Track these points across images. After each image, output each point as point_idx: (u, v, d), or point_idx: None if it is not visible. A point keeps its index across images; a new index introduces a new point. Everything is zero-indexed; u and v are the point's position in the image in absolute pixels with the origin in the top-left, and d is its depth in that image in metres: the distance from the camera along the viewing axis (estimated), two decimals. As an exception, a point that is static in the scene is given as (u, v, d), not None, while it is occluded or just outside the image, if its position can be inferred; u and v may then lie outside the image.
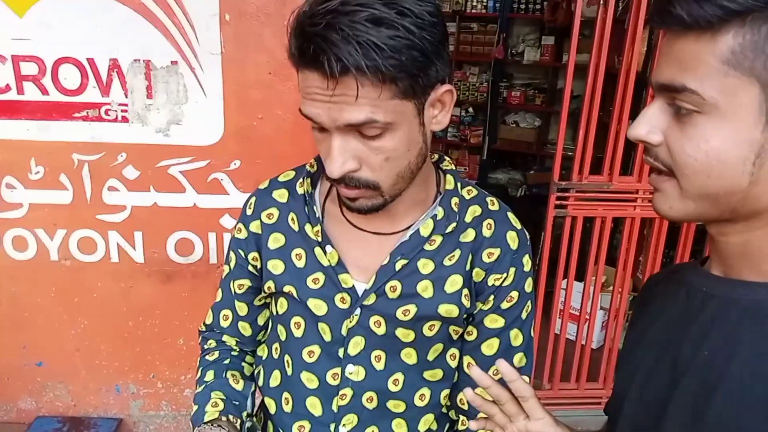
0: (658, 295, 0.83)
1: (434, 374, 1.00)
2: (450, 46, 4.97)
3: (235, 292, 1.06)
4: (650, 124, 0.65)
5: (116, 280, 2.09)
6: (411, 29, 0.73)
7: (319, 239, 0.94)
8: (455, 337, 0.99)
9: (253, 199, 1.03)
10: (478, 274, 0.95)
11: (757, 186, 0.62)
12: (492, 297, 0.96)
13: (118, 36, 1.86)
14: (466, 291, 0.95)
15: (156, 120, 1.94)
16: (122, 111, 1.93)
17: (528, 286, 0.98)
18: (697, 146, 0.62)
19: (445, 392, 1.02)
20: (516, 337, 0.99)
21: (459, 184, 0.98)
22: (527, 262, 0.98)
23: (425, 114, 0.82)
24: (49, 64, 1.87)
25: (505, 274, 0.95)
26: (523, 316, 0.99)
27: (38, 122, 1.92)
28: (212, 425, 0.92)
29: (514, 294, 0.96)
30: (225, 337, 1.10)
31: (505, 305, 0.97)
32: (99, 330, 2.15)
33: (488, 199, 0.99)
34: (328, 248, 0.94)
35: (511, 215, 0.99)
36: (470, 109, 5.71)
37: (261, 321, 1.09)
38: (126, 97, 1.92)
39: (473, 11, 5.47)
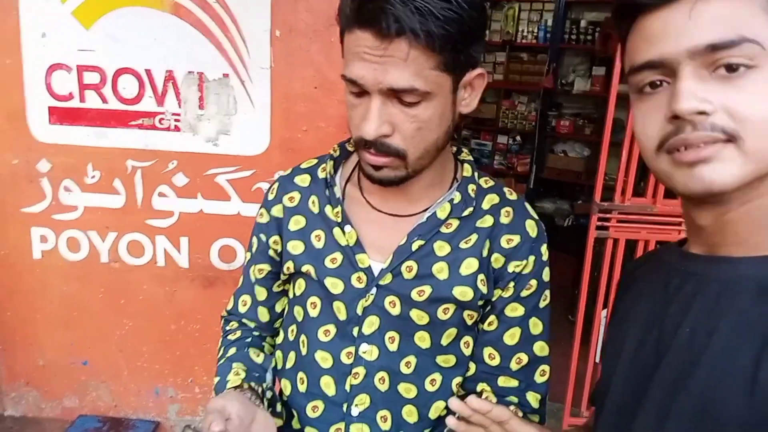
0: (638, 279, 0.83)
1: (447, 360, 1.00)
2: (499, 75, 4.98)
3: (255, 277, 1.09)
4: (696, 96, 0.62)
5: (161, 284, 2.16)
6: (462, 5, 0.79)
7: (339, 220, 0.97)
8: (470, 322, 0.99)
9: (275, 185, 1.06)
10: (497, 260, 0.96)
11: None
12: (512, 284, 0.96)
13: (174, 49, 1.96)
14: (482, 276, 0.95)
15: (206, 130, 2.02)
16: (175, 120, 2.02)
17: (545, 275, 0.99)
18: (758, 101, 0.60)
19: (458, 380, 1.02)
20: (535, 326, 1.00)
21: (476, 174, 1.01)
22: (545, 252, 0.99)
23: (458, 93, 0.87)
24: (110, 74, 1.98)
25: (525, 261, 0.96)
26: (541, 305, 1.00)
27: (97, 129, 2.02)
28: (236, 389, 0.94)
29: (533, 282, 0.97)
30: (245, 320, 1.12)
31: (525, 293, 0.97)
32: (142, 332, 2.22)
33: (505, 189, 1.01)
34: (347, 228, 0.97)
35: (527, 205, 1.01)
36: (518, 138, 5.70)
37: (279, 308, 1.11)
38: (179, 107, 2.01)
39: (523, 41, 5.50)
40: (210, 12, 1.93)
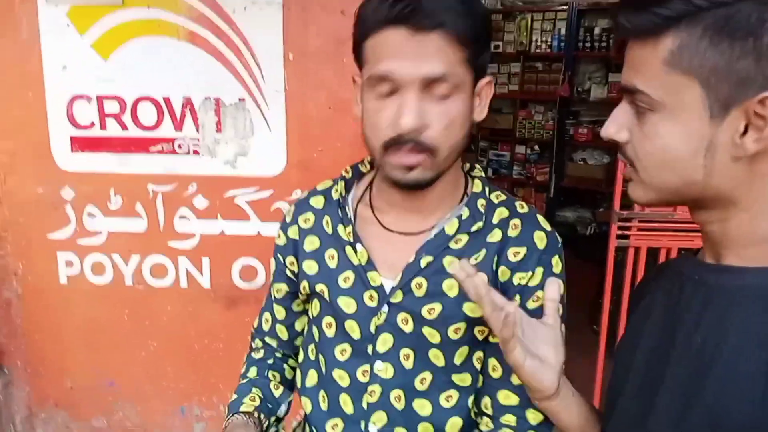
0: (654, 288, 0.84)
1: (462, 379, 1.01)
2: (514, 86, 5.00)
3: (274, 296, 1.14)
4: (617, 124, 0.70)
5: (184, 305, 2.20)
6: (482, 7, 0.89)
7: (351, 239, 1.00)
8: (480, 337, 1.00)
9: (292, 208, 1.11)
10: (503, 273, 0.97)
11: (713, 178, 0.66)
12: (517, 296, 0.96)
13: (191, 76, 2.01)
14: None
15: (224, 153, 2.07)
16: (194, 145, 2.06)
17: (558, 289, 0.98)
18: (652, 143, 0.67)
19: (473, 397, 1.03)
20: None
21: (487, 189, 1.02)
22: (557, 264, 0.98)
23: (474, 98, 0.93)
24: (130, 102, 2.04)
25: (530, 273, 0.96)
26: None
27: (118, 155, 2.08)
28: (244, 416, 0.98)
29: (540, 294, 0.94)
30: (267, 339, 1.17)
31: (531, 305, 0.96)
32: (167, 352, 2.26)
33: (517, 203, 1.02)
34: (359, 247, 0.99)
35: (540, 217, 1.01)
36: (536, 147, 5.69)
37: (298, 326, 1.15)
38: (197, 131, 2.05)
39: (537, 51, 5.51)
40: (224, 39, 1.97)
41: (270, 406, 1.06)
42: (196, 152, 2.07)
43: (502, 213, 1.00)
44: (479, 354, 1.02)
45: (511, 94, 5.64)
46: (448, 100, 0.87)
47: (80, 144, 2.07)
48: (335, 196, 1.05)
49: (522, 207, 1.02)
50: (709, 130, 0.64)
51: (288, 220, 1.11)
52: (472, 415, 1.04)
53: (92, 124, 2.05)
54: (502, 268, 0.97)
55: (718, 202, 0.68)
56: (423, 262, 0.96)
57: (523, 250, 0.97)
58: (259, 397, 1.05)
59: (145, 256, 2.16)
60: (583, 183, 5.48)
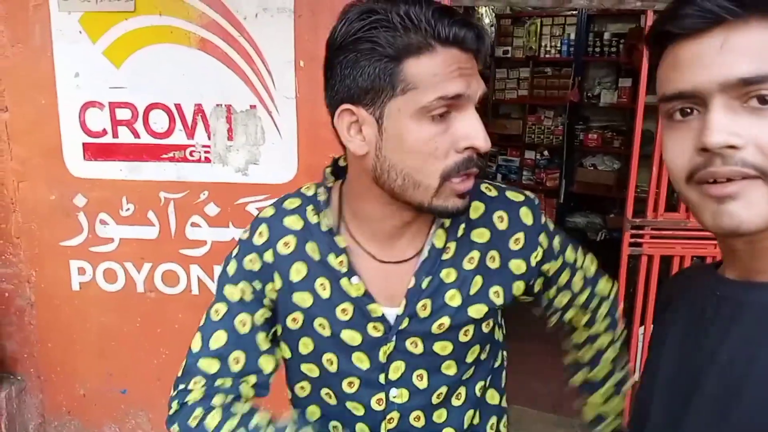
0: (675, 299, 0.82)
1: (469, 372, 1.00)
2: (523, 91, 4.98)
3: (253, 325, 0.95)
4: (726, 130, 0.61)
5: (195, 312, 2.16)
6: None
7: (344, 270, 0.92)
8: (486, 330, 0.99)
9: (263, 227, 0.96)
10: (518, 267, 0.97)
11: None
12: (547, 268, 1.02)
13: (202, 83, 2.02)
14: (496, 288, 0.95)
15: (236, 160, 2.07)
16: (205, 152, 2.07)
17: (557, 240, 1.03)
18: None
19: (480, 385, 1.02)
20: (588, 269, 1.08)
21: None
22: (545, 219, 1.01)
23: None
24: (141, 109, 2.05)
25: (538, 249, 0.99)
26: (575, 258, 1.06)
27: (130, 163, 2.08)
28: None
29: (557, 251, 1.02)
30: (219, 381, 0.95)
31: (555, 265, 1.03)
32: (179, 360, 2.23)
33: (483, 188, 0.99)
34: (354, 279, 0.92)
35: (509, 193, 1.00)
36: (546, 153, 5.67)
37: (265, 365, 0.98)
38: (209, 139, 2.06)
39: (547, 56, 5.49)
40: (236, 46, 1.98)
41: None
42: (207, 160, 2.07)
43: (478, 208, 0.96)
44: (486, 346, 1.02)
45: (521, 99, 5.62)
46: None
47: (92, 151, 2.08)
48: (314, 220, 0.94)
49: (490, 190, 0.99)
50: None
51: (260, 242, 0.95)
52: (486, 400, 1.06)
53: (104, 131, 2.06)
54: (515, 263, 0.97)
55: None
56: (424, 284, 0.93)
57: (521, 236, 0.97)
58: None
59: (157, 263, 2.16)
60: (592, 189, 5.44)
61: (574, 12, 5.27)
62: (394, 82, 0.80)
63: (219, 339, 0.95)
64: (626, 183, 2.27)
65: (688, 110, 0.65)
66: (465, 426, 1.01)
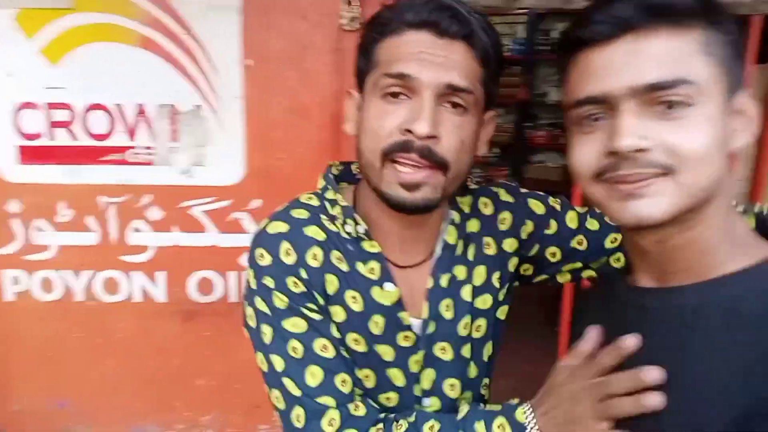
0: (591, 309, 0.84)
1: (482, 372, 1.02)
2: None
3: (332, 353, 0.87)
4: (636, 134, 0.64)
5: (139, 320, 2.11)
6: (501, 45, 0.87)
7: (376, 277, 0.89)
8: (493, 322, 1.01)
9: (286, 245, 0.88)
10: (511, 245, 1.00)
11: (725, 172, 0.66)
12: (557, 251, 1.03)
13: (145, 83, 1.93)
14: (497, 273, 0.97)
15: (180, 162, 1.99)
16: (148, 154, 1.99)
17: (542, 206, 1.04)
18: (695, 137, 0.62)
19: (485, 382, 1.03)
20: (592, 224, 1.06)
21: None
22: (527, 194, 1.04)
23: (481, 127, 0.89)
24: (80, 110, 1.95)
25: (526, 221, 1.00)
26: (578, 222, 1.06)
27: (68, 167, 1.98)
28: None
29: (552, 221, 1.04)
30: (361, 401, 0.90)
31: (554, 229, 1.04)
32: (121, 371, 2.17)
33: (472, 186, 1.01)
34: (388, 286, 0.89)
35: (491, 185, 1.03)
36: (496, 150, 5.74)
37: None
38: (151, 140, 1.97)
39: (497, 54, 5.54)
40: (180, 44, 1.90)
41: None
42: (150, 162, 1.99)
43: (466, 202, 0.99)
44: (494, 344, 1.03)
45: (471, 98, 5.69)
46: (462, 116, 0.83)
47: (28, 154, 1.97)
48: (333, 228, 0.90)
49: (475, 185, 1.03)
50: (724, 120, 0.64)
51: (290, 261, 0.87)
52: (483, 393, 1.05)
53: (40, 133, 1.95)
54: (508, 242, 0.98)
55: (707, 203, 0.67)
56: (443, 282, 0.92)
57: (507, 216, 0.99)
58: None
59: (97, 271, 2.06)
60: (541, 185, 5.51)
61: (523, 11, 5.33)
62: (369, 61, 0.86)
63: (313, 376, 0.86)
64: (573, 179, 2.31)
65: (598, 115, 0.67)
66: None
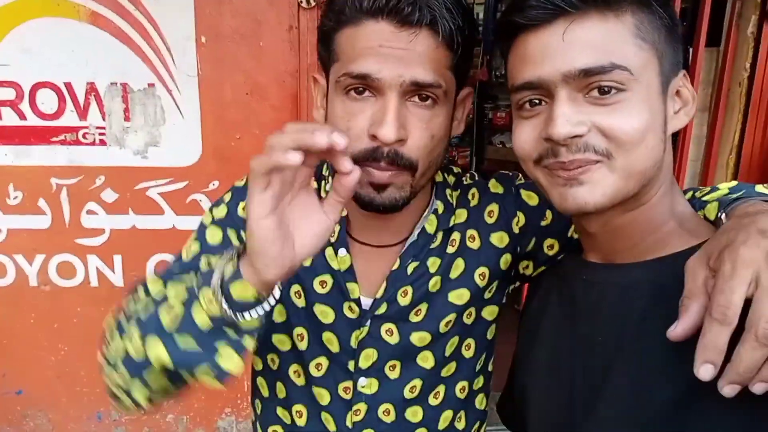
0: (544, 286, 0.85)
1: (449, 368, 0.95)
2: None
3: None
4: (571, 121, 0.64)
5: (96, 305, 2.07)
6: (466, 5, 0.79)
7: (333, 239, 0.88)
8: (469, 322, 0.94)
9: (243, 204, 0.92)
10: (501, 239, 0.93)
11: (664, 153, 0.67)
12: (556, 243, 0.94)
13: (95, 60, 1.88)
14: (482, 269, 0.91)
15: (134, 142, 1.95)
16: (100, 134, 1.94)
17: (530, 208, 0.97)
18: (629, 121, 0.63)
19: (461, 385, 0.97)
20: None
21: (444, 174, 0.96)
22: (523, 186, 0.96)
23: (455, 109, 0.84)
24: (27, 89, 1.88)
25: (517, 214, 0.94)
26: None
27: (16, 147, 1.92)
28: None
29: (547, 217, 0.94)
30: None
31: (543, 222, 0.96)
32: (79, 356, 2.13)
33: (463, 179, 0.97)
34: (342, 251, 0.88)
35: (487, 183, 0.97)
36: (457, 131, 5.76)
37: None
38: (104, 120, 1.92)
39: (456, 35, 5.54)
40: (130, 20, 1.85)
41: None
42: (103, 143, 1.94)
43: (454, 195, 0.94)
44: (469, 342, 0.96)
45: (431, 79, 5.69)
46: (432, 110, 0.77)
47: (-28, 135, 1.90)
48: None
49: (467, 180, 0.97)
50: (662, 105, 0.65)
51: (228, 199, 0.95)
52: (466, 403, 0.99)
53: (-15, 113, 1.88)
54: (496, 235, 0.92)
55: (647, 185, 0.68)
56: (410, 269, 0.89)
57: (494, 208, 0.93)
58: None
59: (51, 254, 2.01)
60: (502, 166, 5.47)
61: (482, -8, 5.34)
62: (331, 49, 0.79)
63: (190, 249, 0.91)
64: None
65: (536, 101, 0.68)
66: (441, 427, 0.96)
